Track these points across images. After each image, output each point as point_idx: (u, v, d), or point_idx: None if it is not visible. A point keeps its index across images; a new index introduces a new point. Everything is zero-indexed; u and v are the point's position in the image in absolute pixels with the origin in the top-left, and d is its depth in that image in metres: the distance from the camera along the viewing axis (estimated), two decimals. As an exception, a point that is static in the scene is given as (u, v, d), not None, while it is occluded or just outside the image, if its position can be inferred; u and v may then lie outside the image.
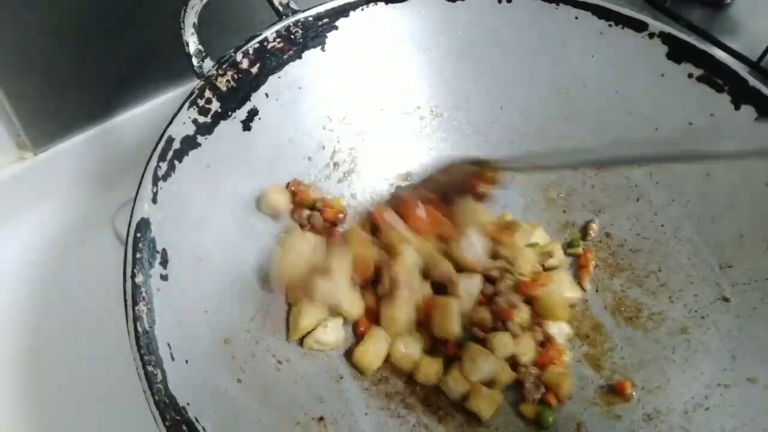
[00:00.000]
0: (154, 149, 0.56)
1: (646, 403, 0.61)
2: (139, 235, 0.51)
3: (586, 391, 0.63)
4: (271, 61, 0.66)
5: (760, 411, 0.57)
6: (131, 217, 0.52)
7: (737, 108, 0.70)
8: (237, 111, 0.64)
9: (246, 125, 0.64)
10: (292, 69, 0.68)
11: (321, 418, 0.54)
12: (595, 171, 0.76)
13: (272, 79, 0.66)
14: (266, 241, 0.63)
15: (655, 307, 0.68)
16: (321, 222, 0.67)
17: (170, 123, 0.58)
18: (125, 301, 0.48)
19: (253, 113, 0.65)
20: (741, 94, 0.70)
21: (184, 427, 0.44)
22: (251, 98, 0.65)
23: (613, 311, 0.68)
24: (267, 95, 0.66)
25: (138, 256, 0.50)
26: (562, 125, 0.78)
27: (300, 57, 0.68)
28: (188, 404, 0.46)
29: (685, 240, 0.70)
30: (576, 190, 0.76)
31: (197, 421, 0.45)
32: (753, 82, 0.70)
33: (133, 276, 0.49)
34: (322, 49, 0.70)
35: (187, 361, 0.48)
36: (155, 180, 0.55)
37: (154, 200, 0.54)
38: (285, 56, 0.67)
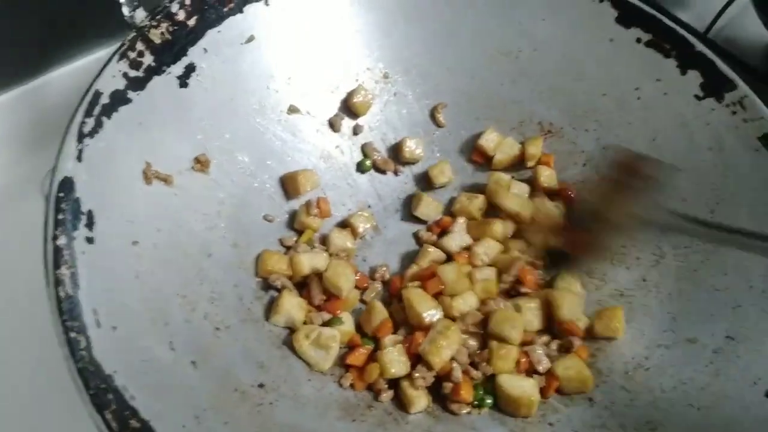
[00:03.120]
0: (80, 103, 0.53)
1: (589, 365, 0.61)
2: (62, 194, 0.48)
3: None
4: (210, 14, 0.63)
5: (699, 370, 0.58)
6: (53, 175, 0.49)
7: (683, 73, 0.71)
8: (172, 66, 0.60)
9: (183, 82, 0.61)
10: (232, 23, 0.64)
11: (261, 385, 0.53)
12: (542, 135, 0.76)
13: (211, 33, 0.63)
14: (204, 205, 0.60)
15: (597, 270, 0.68)
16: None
17: (98, 76, 0.55)
18: (45, 263, 0.45)
19: (190, 69, 0.61)
20: (688, 59, 0.71)
21: (110, 395, 0.42)
22: (188, 53, 0.61)
23: (558, 274, 0.68)
24: (206, 50, 0.62)
25: (60, 217, 0.47)
26: (512, 89, 0.77)
27: (241, 11, 0.65)
28: (115, 372, 0.43)
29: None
30: (525, 155, 0.76)
31: (125, 389, 0.43)
32: (699, 47, 0.70)
33: (55, 238, 0.46)
34: (266, 3, 0.66)
35: (114, 328, 0.46)
36: (80, 137, 0.51)
37: (79, 158, 0.50)
38: (225, 9, 0.64)
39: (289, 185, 0.67)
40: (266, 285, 0.61)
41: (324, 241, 0.66)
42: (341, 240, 0.66)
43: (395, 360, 0.57)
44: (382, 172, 0.74)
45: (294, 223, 0.67)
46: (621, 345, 0.62)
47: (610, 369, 0.61)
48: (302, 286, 0.63)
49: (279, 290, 0.61)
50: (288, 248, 0.65)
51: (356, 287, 0.63)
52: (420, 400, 0.56)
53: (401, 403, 0.57)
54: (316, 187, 0.68)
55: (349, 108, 0.73)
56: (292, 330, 0.59)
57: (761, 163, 0.65)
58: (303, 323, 0.59)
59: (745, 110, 0.67)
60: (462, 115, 0.76)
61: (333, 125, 0.72)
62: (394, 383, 0.58)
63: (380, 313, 0.61)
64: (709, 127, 0.69)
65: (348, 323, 0.61)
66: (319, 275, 0.61)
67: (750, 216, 0.64)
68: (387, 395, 0.57)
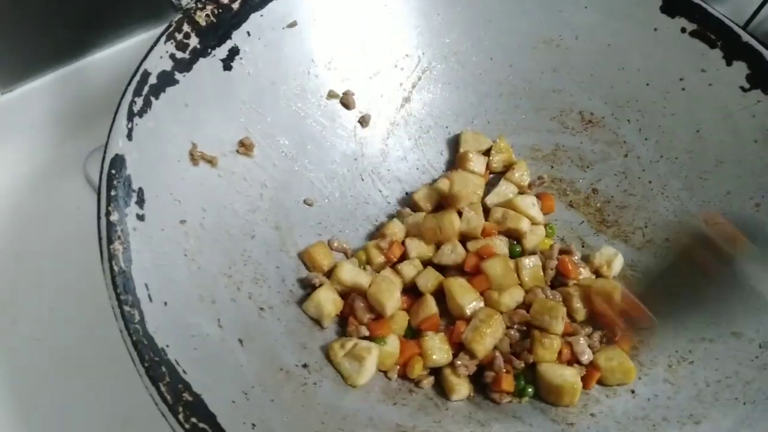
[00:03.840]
0: (129, 83, 0.53)
1: (632, 357, 0.60)
2: (113, 171, 0.48)
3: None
4: (253, -2, 0.63)
5: (744, 364, 0.57)
6: (105, 152, 0.49)
7: (729, 64, 0.70)
8: (217, 49, 0.60)
9: (227, 65, 0.61)
10: (275, 7, 0.64)
11: (305, 365, 0.53)
12: (583, 126, 0.75)
13: (254, 17, 0.63)
14: (247, 187, 0.60)
15: (641, 263, 0.67)
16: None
17: (146, 57, 0.55)
18: (99, 239, 0.45)
19: (234, 52, 0.61)
20: (733, 50, 0.69)
21: (163, 368, 0.42)
22: (232, 36, 0.61)
23: (600, 267, 0.68)
24: (249, 34, 0.63)
25: (113, 193, 0.47)
26: (553, 78, 0.76)
27: (284, -5, 0.65)
28: (168, 346, 0.44)
29: (672, 197, 0.70)
30: (564, 146, 0.75)
31: (177, 363, 0.43)
32: (746, 37, 0.69)
33: (108, 214, 0.46)
34: (308, -12, 0.66)
35: (165, 303, 0.46)
36: (130, 115, 0.51)
37: (129, 137, 0.51)
38: (268, -7, 0.64)
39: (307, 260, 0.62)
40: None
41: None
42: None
43: (437, 347, 0.57)
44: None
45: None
46: (664, 338, 0.61)
47: (653, 362, 0.60)
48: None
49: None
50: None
51: (405, 309, 0.61)
52: (461, 388, 0.56)
53: (443, 390, 0.57)
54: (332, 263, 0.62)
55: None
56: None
57: (808, 155, 0.64)
58: (340, 334, 0.58)
59: (792, 102, 0.66)
60: (503, 104, 0.75)
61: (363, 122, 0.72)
62: (436, 370, 0.58)
63: (431, 307, 0.60)
64: (755, 119, 0.68)
65: (393, 346, 0.57)
66: (363, 293, 0.59)
67: (797, 209, 0.63)
68: (428, 381, 0.57)
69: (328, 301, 0.58)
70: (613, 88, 0.74)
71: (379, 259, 0.63)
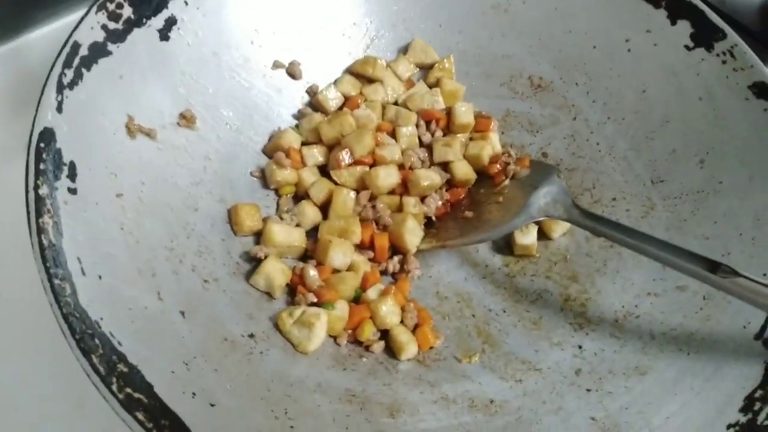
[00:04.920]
0: (59, 55, 0.51)
1: (579, 313, 0.61)
2: (42, 145, 0.47)
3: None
4: (189, -35, 0.61)
5: (689, 316, 0.58)
6: (33, 126, 0.48)
7: (673, 23, 0.70)
8: (153, 18, 0.59)
9: (163, 35, 0.60)
10: (214, -25, 0.63)
11: (251, 335, 0.53)
12: (532, 90, 0.75)
13: (192, -15, 0.62)
14: (189, 160, 0.59)
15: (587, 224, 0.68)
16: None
17: (76, 28, 0.53)
18: (28, 213, 0.44)
19: (171, 22, 0.60)
20: (677, 10, 0.70)
21: (97, 341, 0.41)
22: (168, 5, 0.60)
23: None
24: (186, 3, 0.61)
25: (42, 167, 0.46)
26: (502, 44, 0.76)
27: (223, -38, 0.64)
28: (101, 318, 0.43)
29: (620, 157, 0.71)
30: (514, 111, 0.75)
31: (112, 335, 0.43)
32: (689, -5, 0.69)
33: (36, 187, 0.45)
34: (248, -45, 0.65)
35: (100, 277, 0.45)
36: (60, 88, 0.50)
37: (59, 109, 0.49)
38: (206, -40, 0.62)
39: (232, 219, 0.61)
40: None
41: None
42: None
43: (390, 312, 0.57)
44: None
45: (269, 183, 0.65)
46: (610, 294, 0.62)
47: (600, 318, 0.61)
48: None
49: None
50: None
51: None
52: (410, 346, 0.56)
53: (392, 352, 0.57)
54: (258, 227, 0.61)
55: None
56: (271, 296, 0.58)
57: (751, 111, 0.65)
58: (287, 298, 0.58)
59: (735, 59, 0.67)
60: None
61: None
62: (384, 334, 0.58)
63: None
64: (699, 77, 0.68)
65: (341, 311, 0.57)
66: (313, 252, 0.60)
67: (741, 164, 0.64)
68: (378, 345, 0.57)
69: (276, 271, 0.57)
70: (561, 51, 0.75)
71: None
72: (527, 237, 0.65)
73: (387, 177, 0.63)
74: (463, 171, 0.67)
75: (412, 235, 0.62)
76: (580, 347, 0.59)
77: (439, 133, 0.69)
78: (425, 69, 0.75)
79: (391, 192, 0.65)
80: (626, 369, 0.56)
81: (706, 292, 0.59)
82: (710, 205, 0.64)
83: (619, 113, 0.72)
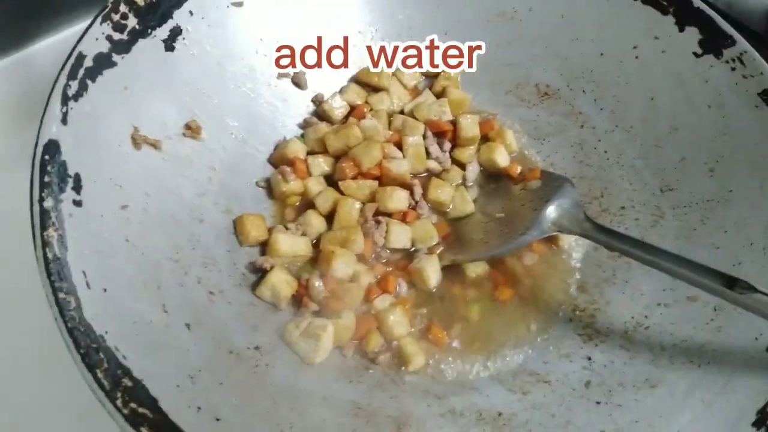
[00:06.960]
0: (63, 66, 0.51)
1: (588, 324, 0.61)
2: (47, 157, 0.47)
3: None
4: (194, -25, 0.61)
5: (699, 328, 0.58)
6: (37, 138, 0.48)
7: (681, 30, 0.69)
8: (158, 29, 0.59)
9: (169, 45, 0.60)
10: (219, -15, 0.63)
11: (257, 347, 0.52)
12: (539, 98, 0.74)
13: (197, -4, 0.62)
14: (195, 171, 0.59)
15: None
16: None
17: (80, 39, 0.53)
18: (32, 226, 0.44)
19: (176, 32, 0.60)
20: (686, 16, 0.69)
21: (101, 355, 0.41)
22: (173, 15, 0.60)
23: (556, 237, 0.68)
24: (192, 13, 0.61)
25: (46, 179, 0.46)
26: (508, 51, 0.75)
27: (228, -27, 0.63)
28: (107, 332, 0.43)
29: (628, 166, 0.70)
30: (521, 119, 0.75)
31: (117, 349, 0.42)
32: (698, 3, 0.69)
33: (41, 200, 0.45)
34: (253, -34, 0.65)
35: (105, 290, 0.45)
36: (65, 99, 0.50)
37: (64, 121, 0.49)
38: (210, -29, 0.62)
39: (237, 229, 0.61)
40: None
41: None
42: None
43: (398, 322, 0.57)
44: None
45: (274, 193, 0.64)
46: (620, 305, 0.61)
47: (609, 329, 0.60)
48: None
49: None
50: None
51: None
52: (418, 357, 0.56)
53: (399, 363, 0.57)
54: (263, 237, 0.61)
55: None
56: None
57: (761, 119, 0.64)
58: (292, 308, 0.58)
59: (745, 66, 0.66)
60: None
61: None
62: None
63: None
64: (708, 84, 0.68)
65: (348, 320, 0.57)
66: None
67: (751, 173, 0.63)
68: (385, 357, 0.56)
69: (281, 282, 0.57)
70: (567, 59, 0.74)
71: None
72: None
73: (398, 201, 0.63)
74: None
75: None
76: (589, 359, 0.58)
77: (447, 145, 0.69)
78: (431, 78, 0.75)
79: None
80: (636, 381, 0.55)
81: (717, 303, 0.58)
82: (720, 214, 0.63)
83: (627, 121, 0.71)
